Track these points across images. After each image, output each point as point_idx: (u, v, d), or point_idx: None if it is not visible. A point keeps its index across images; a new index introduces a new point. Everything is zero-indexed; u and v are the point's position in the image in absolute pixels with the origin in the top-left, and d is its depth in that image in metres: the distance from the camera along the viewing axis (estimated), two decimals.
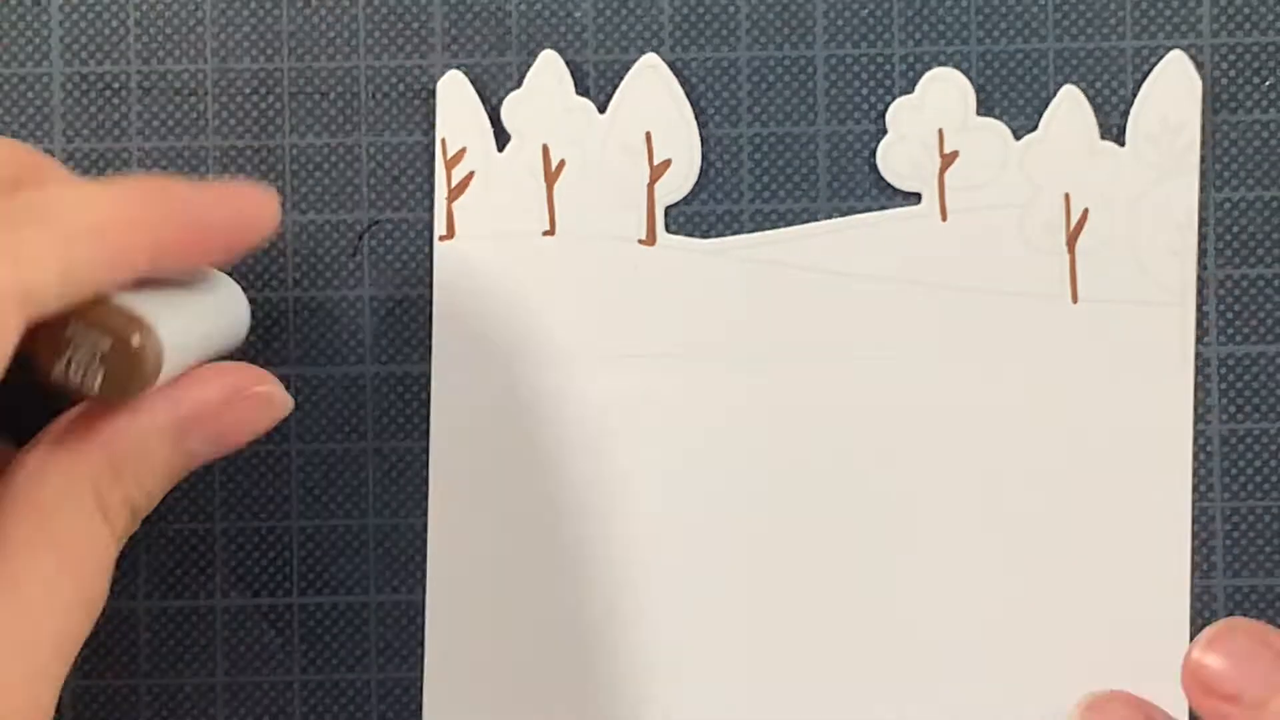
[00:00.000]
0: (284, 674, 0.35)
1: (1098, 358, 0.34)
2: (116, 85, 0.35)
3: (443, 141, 0.35)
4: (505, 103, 0.35)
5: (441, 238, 0.35)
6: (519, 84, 0.35)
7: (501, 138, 0.35)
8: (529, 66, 0.35)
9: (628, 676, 0.35)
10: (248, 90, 0.36)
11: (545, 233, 0.35)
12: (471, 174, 0.35)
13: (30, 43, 0.35)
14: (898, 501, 0.35)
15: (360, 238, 0.36)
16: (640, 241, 0.35)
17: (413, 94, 0.36)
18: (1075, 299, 0.34)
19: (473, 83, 0.35)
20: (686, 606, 0.35)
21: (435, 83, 0.35)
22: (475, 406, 0.35)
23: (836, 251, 0.35)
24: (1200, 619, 0.35)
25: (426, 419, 0.35)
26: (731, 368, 0.35)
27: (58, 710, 0.35)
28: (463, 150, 0.35)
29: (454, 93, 0.35)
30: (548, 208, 0.35)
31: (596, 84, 0.35)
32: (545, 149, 0.35)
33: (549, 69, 0.35)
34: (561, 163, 0.35)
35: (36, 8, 0.35)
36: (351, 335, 0.35)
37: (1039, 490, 0.35)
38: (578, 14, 0.36)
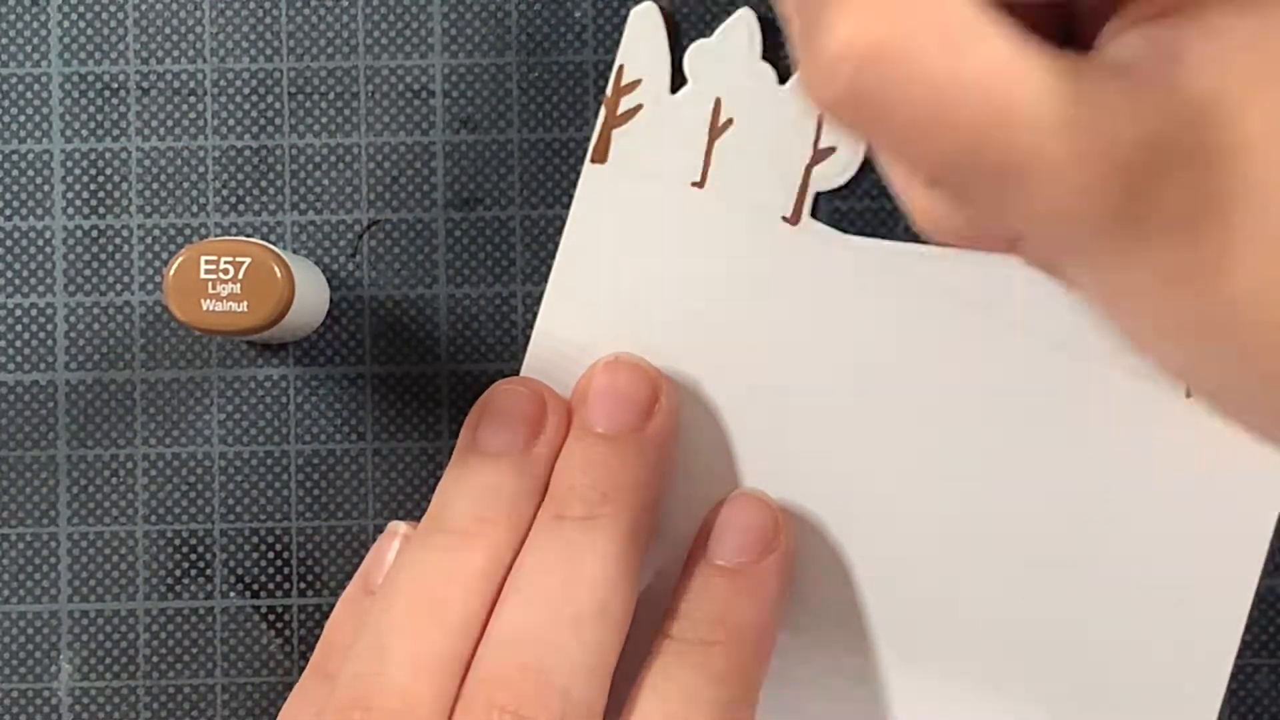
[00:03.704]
0: (283, 674, 0.35)
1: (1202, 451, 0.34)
2: (115, 85, 0.35)
3: (620, 68, 0.35)
4: (692, 48, 0.35)
5: (593, 160, 0.35)
6: (519, 83, 0.35)
7: (677, 80, 0.35)
8: (528, 66, 0.35)
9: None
10: (247, 90, 0.36)
11: (695, 184, 0.35)
12: (639, 106, 0.35)
13: (29, 42, 0.35)
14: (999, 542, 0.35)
15: (360, 238, 0.36)
16: (785, 219, 0.35)
17: (413, 94, 0.36)
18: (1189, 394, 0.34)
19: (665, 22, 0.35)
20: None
21: (435, 83, 0.35)
22: (575, 342, 0.35)
23: (983, 282, 0.34)
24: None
25: (427, 419, 0.35)
26: (837, 372, 0.35)
27: (57, 710, 0.35)
28: (637, 81, 0.35)
29: (645, 25, 0.35)
30: (705, 160, 0.35)
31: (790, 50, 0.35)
32: (718, 103, 0.35)
33: (743, 25, 0.35)
34: (729, 121, 0.35)
35: (35, 8, 0.35)
36: (351, 335, 0.35)
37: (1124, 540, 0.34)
38: (577, 14, 0.36)
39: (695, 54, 0.35)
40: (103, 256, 0.35)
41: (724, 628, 0.32)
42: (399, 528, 0.34)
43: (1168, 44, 0.22)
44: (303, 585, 0.35)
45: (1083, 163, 0.22)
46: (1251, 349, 0.22)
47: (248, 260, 0.32)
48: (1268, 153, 0.21)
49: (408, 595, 0.31)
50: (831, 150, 0.35)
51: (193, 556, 0.35)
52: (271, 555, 0.35)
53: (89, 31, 0.35)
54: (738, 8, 0.35)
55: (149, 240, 0.35)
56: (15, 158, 0.35)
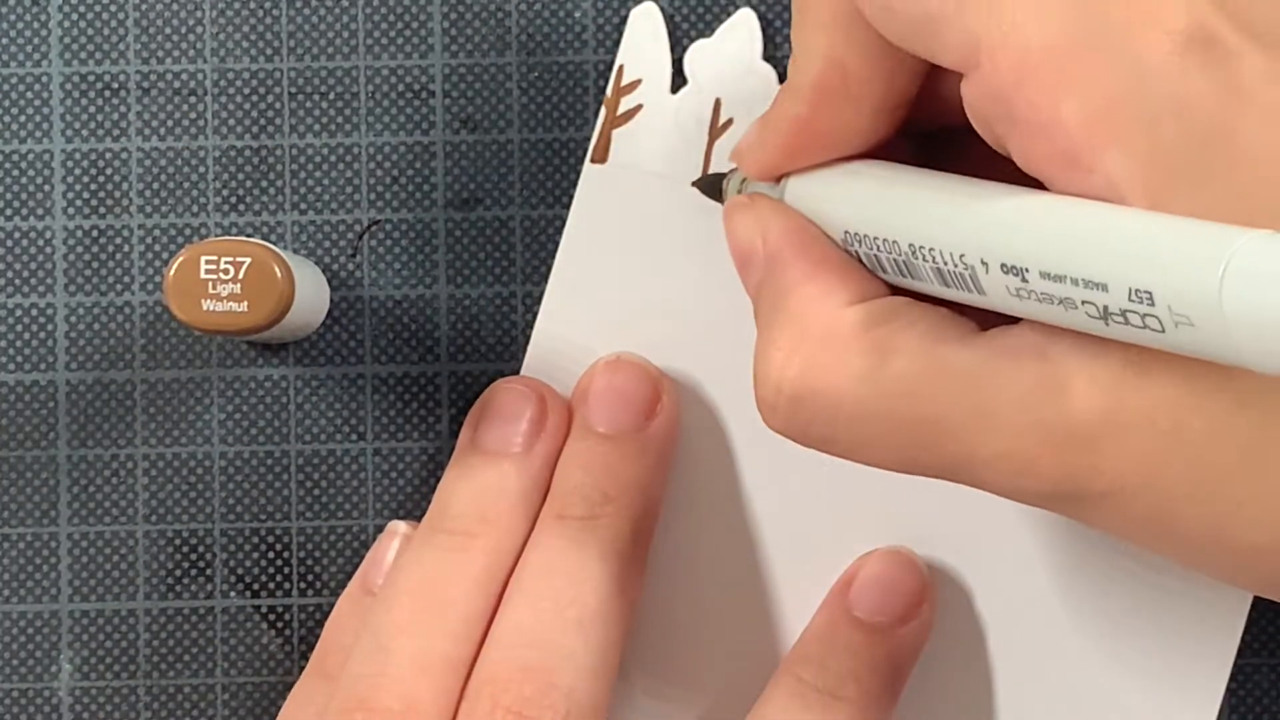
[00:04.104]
0: (283, 674, 0.35)
1: None
2: (115, 85, 0.35)
3: (620, 68, 0.35)
4: (691, 48, 0.35)
5: (593, 160, 0.35)
6: (519, 83, 0.35)
7: (677, 80, 0.35)
8: (528, 66, 0.35)
9: (645, 652, 0.35)
10: (247, 90, 0.36)
11: (695, 182, 0.35)
12: (640, 106, 0.35)
13: (29, 42, 0.35)
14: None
15: (360, 238, 0.36)
16: (694, 184, 0.35)
17: (413, 94, 0.36)
18: None
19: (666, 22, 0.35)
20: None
21: (435, 83, 0.35)
22: (576, 342, 0.35)
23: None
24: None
25: (427, 419, 0.35)
26: None
27: (57, 710, 0.35)
28: (638, 81, 0.35)
29: (645, 25, 0.35)
30: (704, 159, 0.35)
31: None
32: (718, 103, 0.35)
33: (743, 25, 0.35)
34: (729, 121, 0.35)
35: (36, 8, 0.35)
36: (351, 335, 0.35)
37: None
38: (577, 14, 0.36)
39: (695, 54, 0.35)
40: (103, 256, 0.35)
41: (855, 685, 0.32)
42: (399, 528, 0.34)
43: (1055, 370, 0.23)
44: (303, 585, 0.35)
45: (1010, 457, 0.23)
46: (1206, 560, 0.24)
47: (248, 260, 0.32)
48: (1185, 418, 0.22)
49: (410, 595, 0.31)
50: None
51: (193, 556, 0.35)
52: (271, 555, 0.35)
53: (89, 31, 0.35)
54: (738, 8, 0.35)
55: (149, 240, 0.35)
56: (15, 158, 0.35)
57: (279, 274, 0.31)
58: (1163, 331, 0.21)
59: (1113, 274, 0.21)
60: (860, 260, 0.27)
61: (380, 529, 0.35)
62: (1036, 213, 0.23)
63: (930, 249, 0.24)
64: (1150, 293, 0.20)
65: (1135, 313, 0.21)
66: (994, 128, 0.24)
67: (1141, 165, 0.22)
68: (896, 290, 0.26)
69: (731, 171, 0.32)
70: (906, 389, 0.24)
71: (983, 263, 0.23)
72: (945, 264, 0.24)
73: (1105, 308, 0.21)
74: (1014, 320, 0.24)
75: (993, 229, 0.23)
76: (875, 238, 0.26)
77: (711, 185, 0.33)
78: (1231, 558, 0.23)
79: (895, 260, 0.26)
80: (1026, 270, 0.22)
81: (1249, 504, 0.22)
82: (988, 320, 0.25)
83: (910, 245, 0.25)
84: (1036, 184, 0.24)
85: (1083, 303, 0.22)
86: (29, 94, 0.35)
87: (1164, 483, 0.23)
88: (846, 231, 0.27)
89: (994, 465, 0.24)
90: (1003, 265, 0.23)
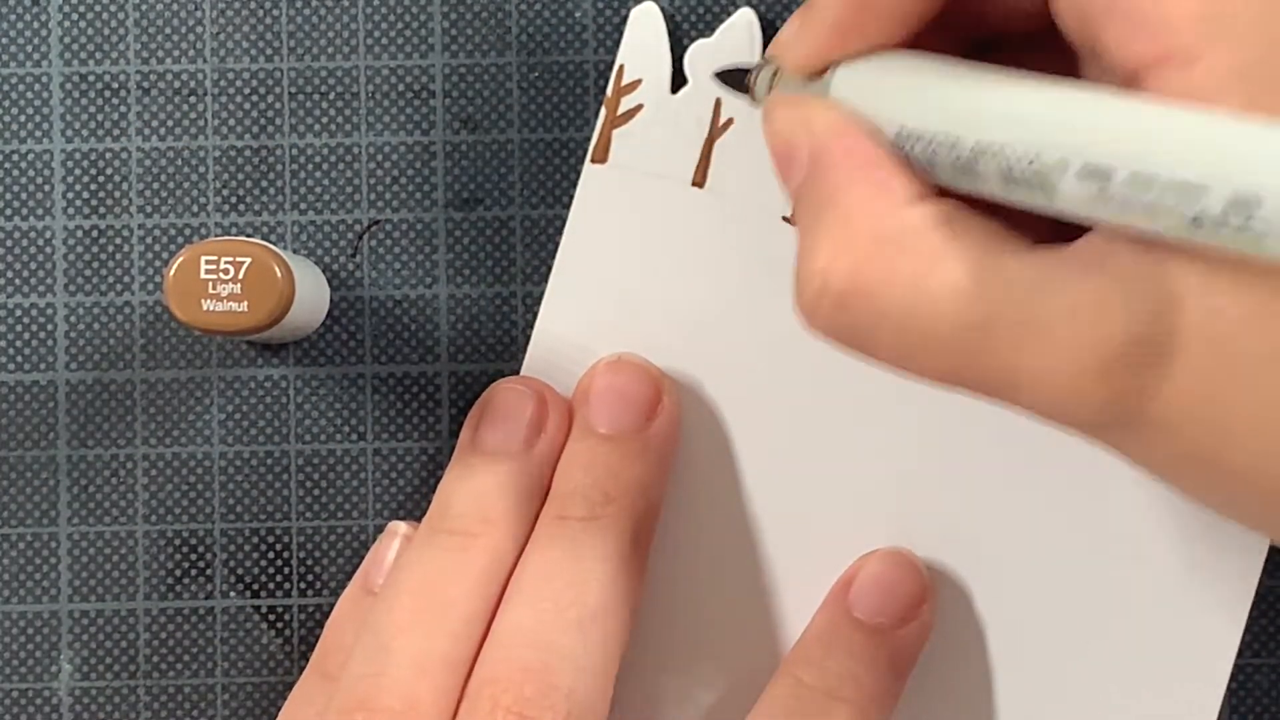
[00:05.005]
0: (283, 674, 0.35)
1: None
2: (115, 85, 0.35)
3: (620, 68, 0.35)
4: (692, 48, 0.35)
5: (593, 159, 0.35)
6: (519, 83, 0.35)
7: (677, 80, 0.35)
8: (528, 66, 0.35)
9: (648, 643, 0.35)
10: (247, 90, 0.36)
11: (695, 183, 0.35)
12: (640, 106, 0.35)
13: (29, 42, 0.35)
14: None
15: (360, 238, 0.36)
16: (785, 219, 0.35)
17: (413, 94, 0.36)
18: None
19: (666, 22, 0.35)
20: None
21: (435, 83, 0.35)
22: (576, 342, 0.35)
23: None
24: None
25: (427, 419, 0.35)
26: (838, 371, 0.35)
27: (57, 710, 0.35)
28: (638, 81, 0.35)
29: (645, 25, 0.35)
30: (703, 160, 0.35)
31: None
32: (718, 103, 0.35)
33: (743, 25, 0.35)
34: (729, 121, 0.35)
35: (36, 8, 0.35)
36: (351, 335, 0.35)
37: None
38: (577, 14, 0.36)
39: (695, 54, 0.35)
40: (103, 256, 0.35)
41: (854, 685, 0.32)
42: (399, 528, 0.34)
43: (1159, 277, 0.22)
44: (303, 585, 0.35)
45: (1057, 372, 0.22)
46: (1246, 499, 0.23)
47: (248, 260, 0.32)
48: (1247, 341, 0.21)
49: (411, 596, 0.31)
50: None
51: (193, 556, 0.35)
52: (271, 555, 0.35)
53: (89, 31, 0.35)
54: (738, 8, 0.35)
55: (149, 240, 0.35)
56: (15, 158, 0.35)
57: (279, 274, 0.31)
58: (1259, 241, 0.20)
59: (1215, 177, 0.20)
60: (912, 160, 0.25)
61: (380, 529, 0.35)
62: (1129, 111, 0.22)
63: (1000, 148, 0.23)
64: (1258, 196, 0.19)
65: (1233, 219, 0.20)
66: (1088, 16, 0.23)
67: (1244, 65, 0.21)
68: (946, 195, 0.25)
69: (761, 66, 0.30)
70: (958, 295, 0.23)
71: (1062, 162, 0.22)
72: (1015, 164, 0.23)
73: (1199, 214, 0.20)
74: (1073, 236, 0.23)
75: (1078, 127, 0.22)
76: (935, 135, 0.24)
77: (735, 78, 0.31)
78: (1277, 496, 0.22)
79: (955, 161, 0.24)
80: (1114, 171, 0.21)
81: None
82: (1042, 235, 0.24)
83: (976, 143, 0.23)
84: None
85: (1172, 208, 0.20)
86: (29, 94, 0.35)
87: (1218, 411, 0.21)
88: (902, 127, 0.25)
89: (1040, 382, 0.22)
90: (1085, 166, 0.21)
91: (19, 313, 0.35)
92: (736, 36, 0.35)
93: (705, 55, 0.35)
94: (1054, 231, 0.23)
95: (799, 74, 0.28)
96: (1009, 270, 0.23)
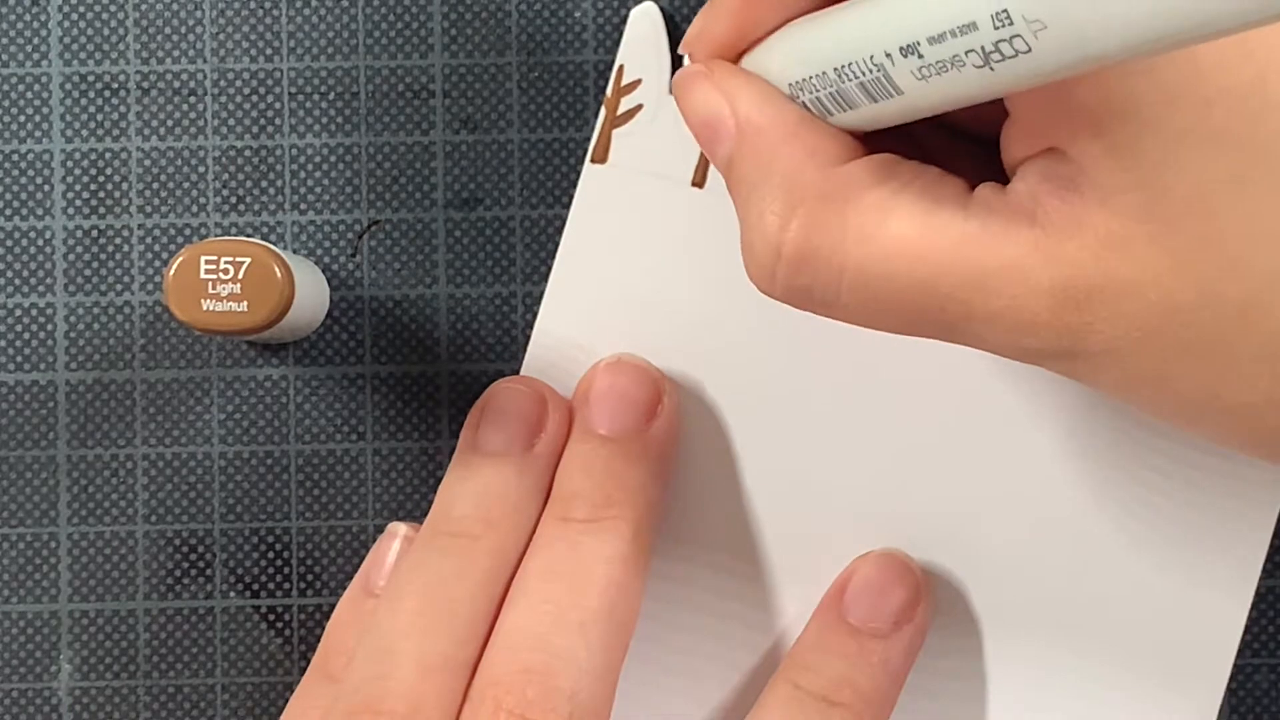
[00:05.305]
0: (283, 674, 0.35)
1: None
2: (115, 85, 0.35)
3: (620, 68, 0.35)
4: None
5: (593, 159, 0.35)
6: (519, 83, 0.35)
7: None
8: (528, 66, 0.35)
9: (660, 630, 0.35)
10: (247, 90, 0.36)
11: (695, 183, 0.35)
12: (640, 106, 0.35)
13: (29, 42, 0.35)
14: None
15: (360, 238, 0.36)
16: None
17: (413, 94, 0.36)
18: None
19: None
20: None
21: (435, 83, 0.35)
22: (576, 342, 0.35)
23: None
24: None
25: (427, 419, 0.35)
26: (839, 370, 0.35)
27: (57, 710, 0.35)
28: (638, 81, 0.35)
29: (644, 25, 0.35)
30: (703, 160, 0.35)
31: None
32: None
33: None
34: None
35: (35, 8, 0.35)
36: (351, 335, 0.35)
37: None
38: (577, 14, 0.36)
39: None
40: (103, 256, 0.35)
41: (851, 690, 0.32)
42: (399, 529, 0.34)
43: (1063, 179, 0.23)
44: (303, 585, 0.35)
45: (1008, 314, 0.24)
46: (1198, 415, 0.24)
47: (248, 260, 0.32)
48: (1178, 276, 0.23)
49: (414, 598, 0.31)
50: None
51: (193, 556, 0.35)
52: (271, 555, 0.35)
53: (89, 31, 0.35)
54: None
55: (149, 240, 0.35)
56: (15, 158, 0.35)
57: (279, 274, 0.31)
58: (1030, 51, 0.21)
59: (974, 7, 0.21)
60: (809, 110, 0.26)
61: (380, 529, 0.35)
62: None
63: (848, 65, 0.25)
64: (1006, 10, 0.21)
65: (1005, 42, 0.21)
66: None
67: None
68: (870, 147, 0.26)
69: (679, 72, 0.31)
70: (906, 249, 0.24)
71: (886, 55, 0.23)
72: (865, 75, 0.24)
73: (983, 49, 0.22)
74: (999, 178, 0.25)
75: (881, 20, 0.24)
76: (809, 77, 0.26)
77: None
78: (1228, 418, 0.24)
79: (833, 95, 0.25)
80: (918, 44, 0.23)
81: (1242, 363, 0.23)
82: (970, 175, 0.25)
83: (835, 70, 0.25)
84: None
85: (966, 54, 0.22)
86: (29, 94, 0.35)
87: (1157, 346, 0.23)
88: (790, 84, 0.26)
89: (994, 322, 0.24)
90: (901, 49, 0.23)
91: (19, 313, 0.35)
92: None
93: None
94: (977, 171, 0.25)
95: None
96: (952, 227, 0.24)
